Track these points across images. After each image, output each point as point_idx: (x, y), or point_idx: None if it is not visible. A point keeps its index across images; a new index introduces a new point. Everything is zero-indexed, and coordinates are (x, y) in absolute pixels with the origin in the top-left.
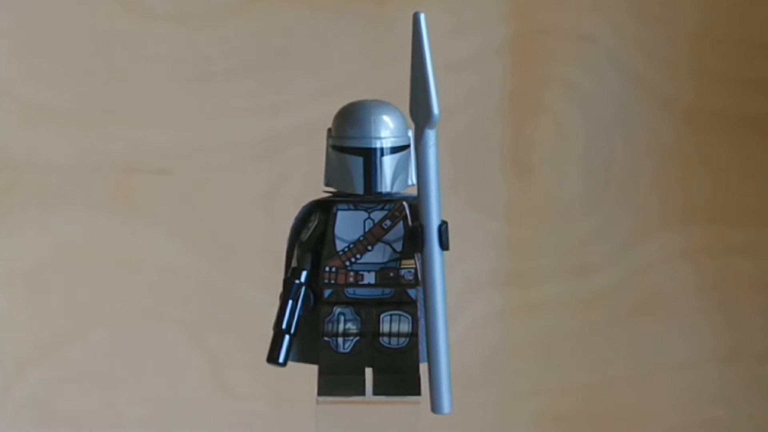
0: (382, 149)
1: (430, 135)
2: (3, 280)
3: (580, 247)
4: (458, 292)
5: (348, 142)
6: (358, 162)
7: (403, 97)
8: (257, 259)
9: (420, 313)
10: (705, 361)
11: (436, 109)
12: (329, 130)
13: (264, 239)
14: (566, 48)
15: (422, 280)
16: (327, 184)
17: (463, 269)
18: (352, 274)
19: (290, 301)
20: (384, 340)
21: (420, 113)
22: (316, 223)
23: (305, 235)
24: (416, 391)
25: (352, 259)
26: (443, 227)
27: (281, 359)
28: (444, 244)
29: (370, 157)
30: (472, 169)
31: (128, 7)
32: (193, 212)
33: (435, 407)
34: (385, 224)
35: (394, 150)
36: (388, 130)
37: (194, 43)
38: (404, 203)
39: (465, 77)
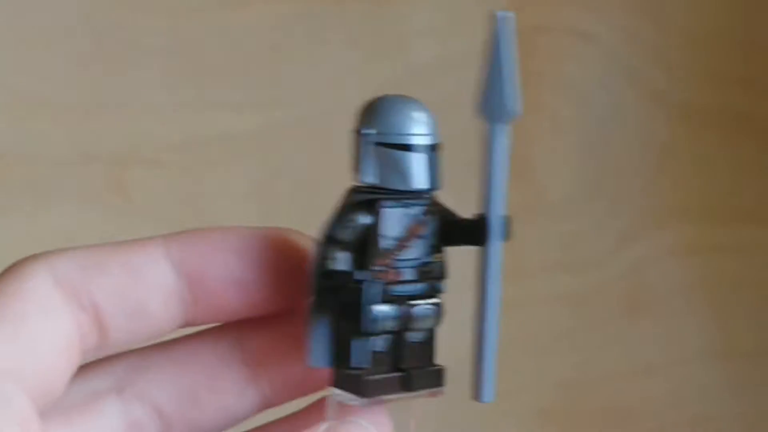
0: (433, 146)
1: (505, 130)
2: None
3: (574, 244)
4: (450, 288)
5: (403, 138)
6: (415, 159)
7: (397, 92)
8: None
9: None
10: (696, 358)
11: (516, 106)
12: (366, 125)
13: None
14: (563, 45)
15: (483, 271)
16: (364, 180)
17: (456, 265)
18: (395, 271)
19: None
20: (414, 334)
21: (498, 108)
22: (360, 220)
23: (345, 233)
24: (442, 383)
25: (396, 256)
26: (508, 219)
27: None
28: (507, 236)
29: (425, 153)
30: (466, 166)
31: None
32: (187, 205)
33: (478, 395)
34: (424, 219)
35: (436, 148)
36: (435, 128)
37: (189, 35)
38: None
39: (461, 74)
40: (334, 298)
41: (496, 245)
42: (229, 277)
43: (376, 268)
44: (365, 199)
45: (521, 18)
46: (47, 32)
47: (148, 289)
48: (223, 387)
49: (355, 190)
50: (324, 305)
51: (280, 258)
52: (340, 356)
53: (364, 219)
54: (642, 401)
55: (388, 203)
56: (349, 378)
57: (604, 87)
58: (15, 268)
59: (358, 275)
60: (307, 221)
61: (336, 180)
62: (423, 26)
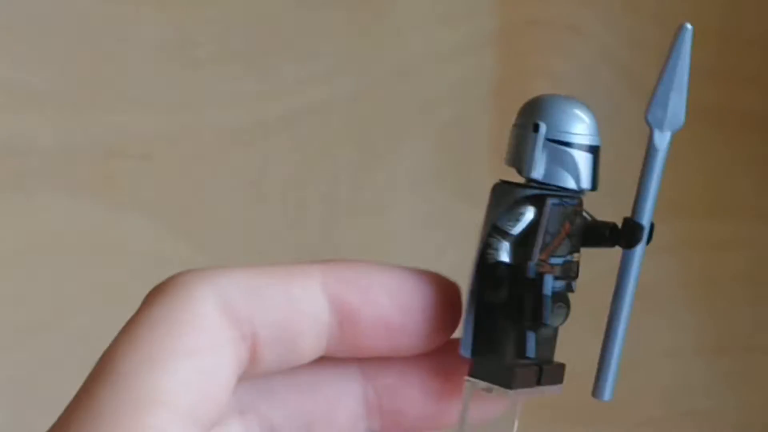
0: (599, 147)
1: (669, 139)
2: None
3: None
4: None
5: (580, 138)
6: (587, 159)
7: (390, 85)
8: (241, 246)
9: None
10: (688, 353)
11: (684, 117)
12: (539, 121)
13: (248, 225)
14: (554, 39)
15: (624, 273)
16: (530, 175)
17: (448, 259)
18: (550, 267)
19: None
20: (545, 330)
21: (667, 117)
22: (528, 214)
23: (513, 226)
24: (563, 380)
25: (553, 253)
26: (653, 225)
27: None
28: (650, 240)
29: (594, 154)
30: (458, 160)
31: None
32: (177, 198)
33: (600, 393)
34: (575, 218)
35: (599, 150)
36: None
37: (179, 27)
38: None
39: (452, 67)
40: (495, 288)
41: (642, 249)
42: (379, 319)
43: (539, 262)
44: (534, 194)
45: (512, 12)
46: (36, 23)
47: (304, 323)
48: (339, 421)
49: (514, 185)
50: (481, 295)
51: (428, 303)
52: (491, 347)
53: (531, 213)
54: (633, 395)
55: (554, 200)
56: (497, 369)
57: (596, 81)
58: (180, 287)
59: (531, 268)
60: (298, 214)
61: (328, 173)
62: (416, 18)
